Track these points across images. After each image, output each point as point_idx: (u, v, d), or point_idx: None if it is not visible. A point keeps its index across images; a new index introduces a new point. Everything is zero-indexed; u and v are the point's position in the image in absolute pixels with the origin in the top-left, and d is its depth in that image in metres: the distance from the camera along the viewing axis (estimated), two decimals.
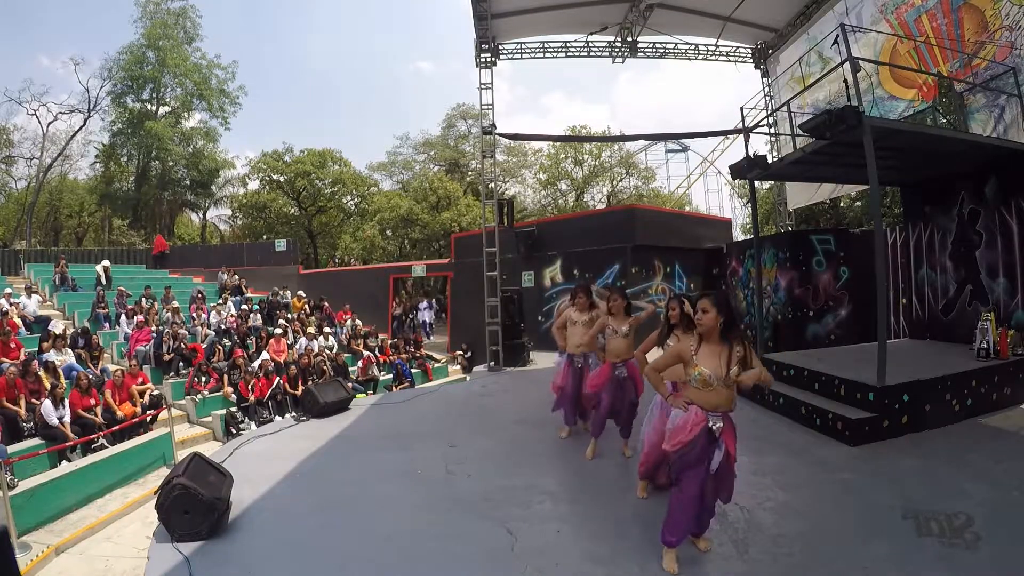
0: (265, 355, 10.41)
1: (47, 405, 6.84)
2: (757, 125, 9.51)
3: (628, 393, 4.47)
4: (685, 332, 3.38)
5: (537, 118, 58.27)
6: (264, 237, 25.90)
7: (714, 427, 2.87)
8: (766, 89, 12.23)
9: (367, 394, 9.75)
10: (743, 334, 2.95)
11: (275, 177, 27.81)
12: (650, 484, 3.85)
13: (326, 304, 14.81)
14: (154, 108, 27.29)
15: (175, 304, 12.16)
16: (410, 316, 17.86)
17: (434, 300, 21.19)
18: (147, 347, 10.26)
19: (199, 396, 9.17)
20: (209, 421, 8.87)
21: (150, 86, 26.73)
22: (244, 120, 50.87)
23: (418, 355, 13.04)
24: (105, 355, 10.10)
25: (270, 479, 4.44)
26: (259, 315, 13.05)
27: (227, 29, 50.10)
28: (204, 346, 10.67)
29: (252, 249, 20.47)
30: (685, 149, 32.95)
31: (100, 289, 13.03)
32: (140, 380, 8.70)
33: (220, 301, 13.56)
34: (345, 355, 11.60)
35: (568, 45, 11.47)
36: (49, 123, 26.29)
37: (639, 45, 11.42)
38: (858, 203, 20.17)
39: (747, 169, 6.74)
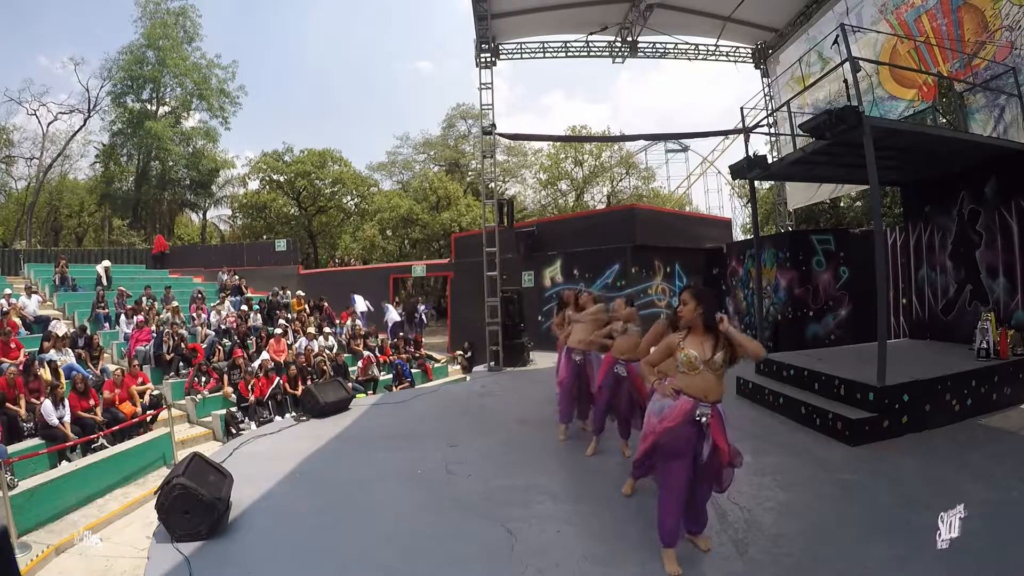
0: (265, 355, 10.41)
1: (47, 405, 6.84)
2: (757, 125, 9.51)
3: (625, 391, 4.48)
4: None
5: (537, 118, 58.33)
6: (264, 237, 25.92)
7: (700, 417, 2.87)
8: (766, 89, 12.22)
9: (367, 394, 9.75)
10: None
11: (275, 177, 27.83)
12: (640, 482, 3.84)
13: (326, 304, 14.81)
14: (154, 108, 27.31)
15: (175, 304, 12.16)
16: (414, 316, 17.83)
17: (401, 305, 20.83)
18: (147, 347, 10.25)
19: (199, 396, 9.17)
20: (209, 421, 8.86)
21: (150, 86, 26.75)
22: (244, 120, 50.94)
23: (418, 355, 13.04)
24: (105, 355, 10.10)
25: (270, 479, 4.44)
26: (259, 315, 13.05)
27: (227, 29, 50.19)
28: (204, 346, 10.67)
29: (252, 249, 20.49)
30: (685, 149, 32.97)
31: (100, 289, 13.03)
32: (140, 380, 8.70)
33: (219, 301, 13.56)
34: (345, 355, 11.60)
35: (568, 45, 11.48)
36: (49, 123, 26.38)
37: (639, 45, 11.42)
38: (858, 203, 20.16)
39: (747, 169, 6.75)
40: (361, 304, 15.26)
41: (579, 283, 12.06)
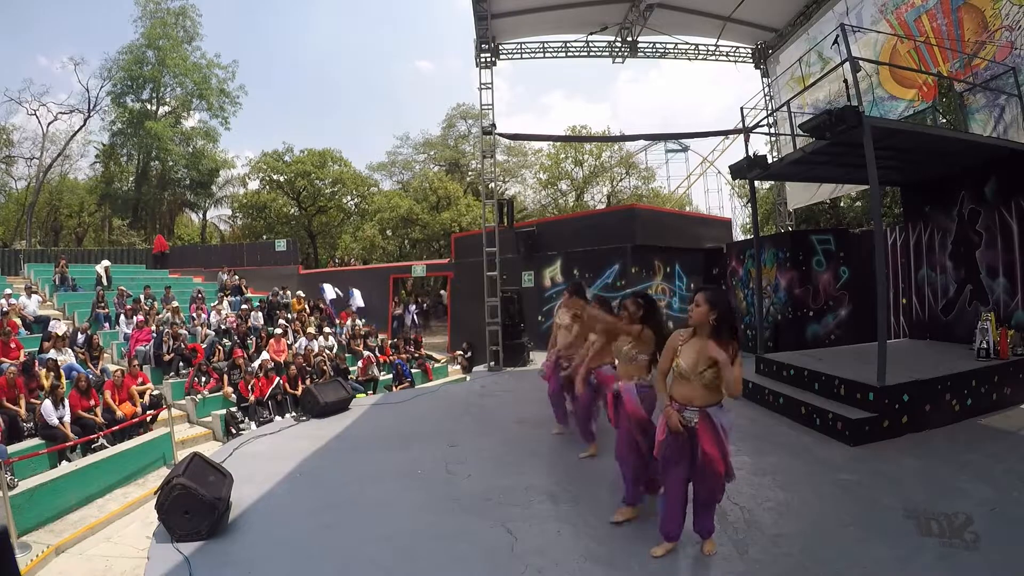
0: (265, 355, 10.41)
1: (47, 405, 6.84)
2: (757, 125, 9.51)
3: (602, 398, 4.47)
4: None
5: (537, 117, 58.33)
6: (264, 237, 25.91)
7: (687, 422, 2.89)
8: (766, 89, 12.22)
9: (367, 394, 9.76)
10: (733, 338, 2.83)
11: (275, 177, 27.82)
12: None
13: (324, 305, 14.84)
14: (154, 108, 27.30)
15: (175, 304, 12.16)
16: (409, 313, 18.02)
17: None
18: (147, 347, 10.26)
19: (199, 396, 9.17)
20: (209, 421, 8.87)
21: (150, 86, 26.75)
22: (244, 120, 50.74)
23: (418, 355, 13.04)
24: (105, 355, 10.10)
25: (270, 479, 4.44)
26: (260, 313, 13.05)
27: (227, 29, 50.17)
28: (204, 346, 10.67)
29: (252, 249, 20.49)
30: (685, 149, 32.99)
31: (100, 289, 13.03)
32: (140, 380, 8.70)
33: (218, 301, 13.56)
34: (345, 355, 11.59)
35: (568, 45, 11.47)
36: (49, 123, 26.34)
37: (639, 45, 11.41)
38: (858, 203, 20.15)
39: (747, 169, 6.74)
40: (330, 292, 16.07)
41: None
